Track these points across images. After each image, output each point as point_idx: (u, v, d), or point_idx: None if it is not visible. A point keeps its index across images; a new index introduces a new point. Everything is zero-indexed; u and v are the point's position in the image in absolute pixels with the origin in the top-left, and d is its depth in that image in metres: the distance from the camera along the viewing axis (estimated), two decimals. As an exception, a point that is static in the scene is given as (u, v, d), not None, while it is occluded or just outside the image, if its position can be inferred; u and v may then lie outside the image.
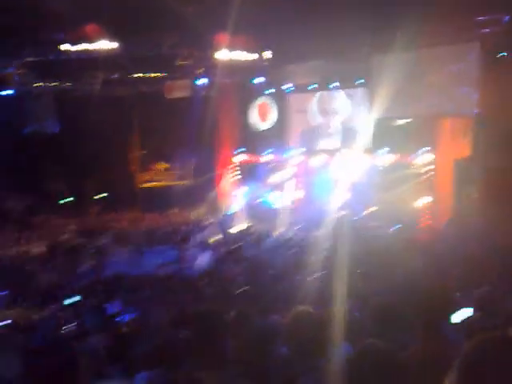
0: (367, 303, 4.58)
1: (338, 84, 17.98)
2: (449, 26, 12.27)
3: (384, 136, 16.45)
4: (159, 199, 19.65)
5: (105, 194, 20.29)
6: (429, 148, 15.74)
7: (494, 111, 11.56)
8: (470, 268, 8.58)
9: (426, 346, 2.55)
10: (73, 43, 15.11)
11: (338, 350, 2.86)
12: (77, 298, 7.44)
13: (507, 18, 12.51)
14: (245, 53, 16.61)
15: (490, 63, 12.92)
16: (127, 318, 7.34)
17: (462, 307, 4.21)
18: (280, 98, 19.53)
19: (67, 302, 7.16)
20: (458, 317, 3.92)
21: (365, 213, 16.85)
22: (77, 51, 15.16)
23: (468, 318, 4.19)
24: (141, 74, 18.14)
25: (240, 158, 20.71)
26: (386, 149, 16.86)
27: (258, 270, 10.38)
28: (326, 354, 2.80)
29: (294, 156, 19.27)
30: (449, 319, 3.32)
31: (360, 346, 2.14)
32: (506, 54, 12.69)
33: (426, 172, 15.98)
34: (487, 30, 12.96)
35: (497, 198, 12.22)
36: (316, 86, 18.37)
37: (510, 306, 4.96)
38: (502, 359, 0.89)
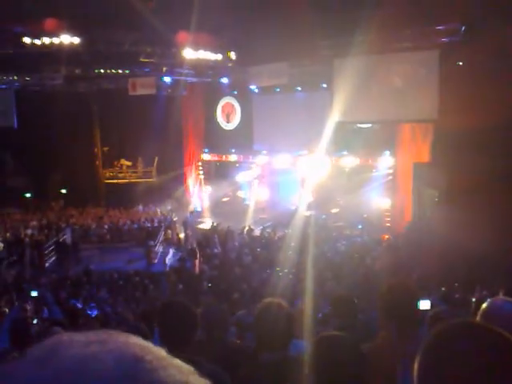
0: (330, 299, 4.71)
1: (301, 88, 18.01)
2: (409, 32, 12.45)
3: (344, 139, 16.66)
4: (123, 196, 19.38)
5: (64, 191, 20.03)
6: (389, 152, 16.08)
7: (453, 117, 11.68)
8: (430, 269, 8.88)
9: (387, 339, 2.63)
10: (33, 36, 14.76)
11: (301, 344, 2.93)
12: (36, 293, 7.35)
13: (464, 28, 12.82)
14: (209, 52, 16.60)
15: (449, 71, 13.18)
16: (95, 312, 7.35)
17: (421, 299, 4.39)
18: (245, 99, 19.46)
19: (34, 294, 7.10)
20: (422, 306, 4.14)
21: (329, 213, 17.14)
22: (38, 45, 14.78)
23: (431, 312, 4.40)
24: (103, 71, 17.83)
25: (206, 156, 20.76)
26: (346, 152, 17.14)
27: (225, 267, 10.45)
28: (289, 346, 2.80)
29: (259, 156, 19.39)
30: (411, 313, 3.47)
31: (317, 337, 2.08)
32: (462, 63, 12.93)
33: (388, 175, 16.35)
34: (446, 39, 13.31)
35: (457, 202, 12.33)
36: (279, 89, 18.28)
37: (469, 304, 5.18)
38: (462, 343, 0.91)
